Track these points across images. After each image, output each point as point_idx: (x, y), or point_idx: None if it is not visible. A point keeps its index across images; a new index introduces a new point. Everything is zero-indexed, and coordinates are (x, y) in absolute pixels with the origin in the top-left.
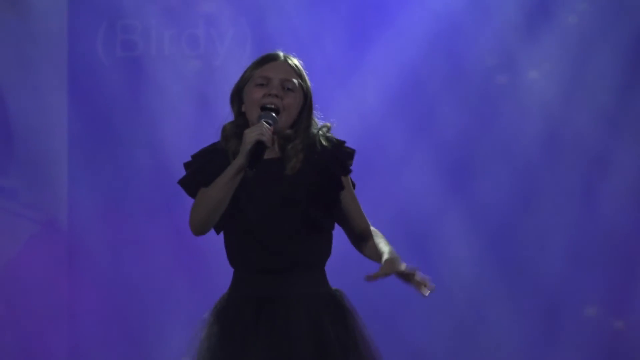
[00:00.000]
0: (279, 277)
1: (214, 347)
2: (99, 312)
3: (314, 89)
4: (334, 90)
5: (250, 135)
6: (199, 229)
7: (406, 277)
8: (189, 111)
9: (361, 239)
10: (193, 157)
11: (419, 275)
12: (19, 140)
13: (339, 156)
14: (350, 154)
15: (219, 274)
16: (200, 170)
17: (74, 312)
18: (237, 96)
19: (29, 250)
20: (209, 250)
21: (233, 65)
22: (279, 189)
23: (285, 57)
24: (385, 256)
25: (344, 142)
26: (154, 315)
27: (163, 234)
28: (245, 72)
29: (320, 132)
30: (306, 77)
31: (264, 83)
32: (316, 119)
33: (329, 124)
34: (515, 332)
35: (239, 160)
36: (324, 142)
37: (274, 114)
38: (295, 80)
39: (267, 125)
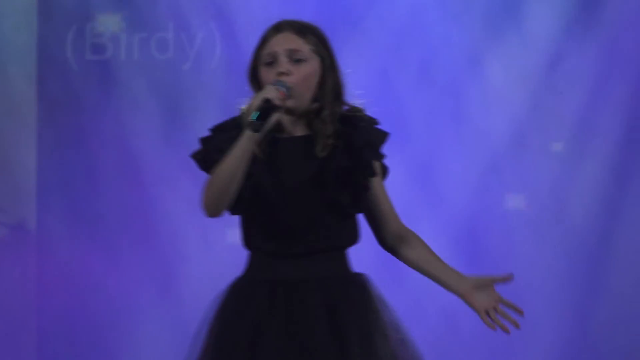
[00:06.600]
0: (297, 260)
1: (226, 327)
2: (67, 315)
3: None
4: None
5: (257, 97)
6: (212, 210)
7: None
8: (159, 115)
9: (401, 240)
10: (212, 130)
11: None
12: None
13: (372, 138)
14: (383, 136)
15: (190, 276)
16: (218, 144)
17: (42, 316)
18: (254, 77)
19: None
20: (180, 253)
21: (203, 69)
22: (306, 169)
23: (289, 24)
24: (464, 281)
25: (376, 121)
26: (124, 318)
27: (133, 236)
28: (255, 51)
29: (351, 109)
30: (324, 39)
31: (271, 61)
32: (343, 84)
33: (359, 107)
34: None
35: (249, 130)
36: (355, 120)
37: (286, 82)
38: (305, 48)
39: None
